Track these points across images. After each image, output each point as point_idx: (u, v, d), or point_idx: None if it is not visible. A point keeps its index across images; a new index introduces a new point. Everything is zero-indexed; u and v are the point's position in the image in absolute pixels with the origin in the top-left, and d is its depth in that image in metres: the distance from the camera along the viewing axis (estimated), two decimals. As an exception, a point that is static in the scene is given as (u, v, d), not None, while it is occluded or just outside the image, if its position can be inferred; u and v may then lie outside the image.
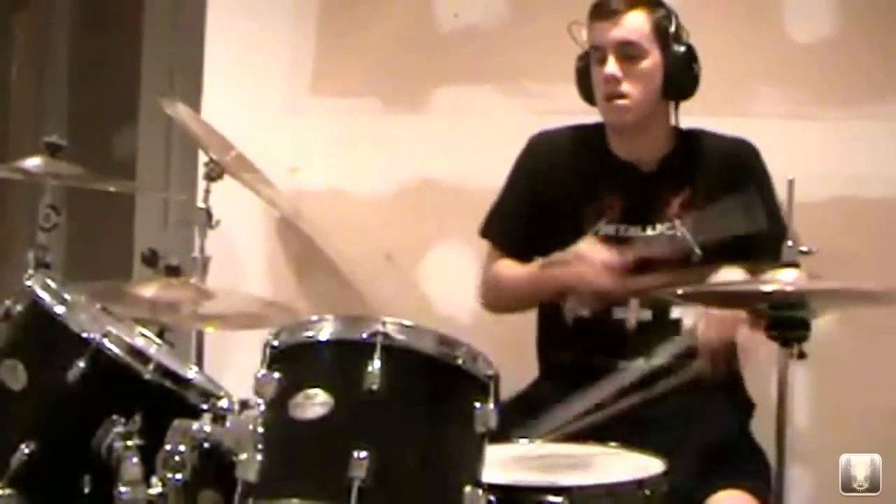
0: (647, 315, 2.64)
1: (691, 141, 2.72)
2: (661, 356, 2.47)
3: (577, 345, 2.67)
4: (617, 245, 2.62)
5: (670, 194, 2.66)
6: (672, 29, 2.63)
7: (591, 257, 2.56)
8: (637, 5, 2.62)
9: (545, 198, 2.72)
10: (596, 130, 2.73)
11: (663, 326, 2.64)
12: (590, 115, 2.72)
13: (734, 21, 3.21)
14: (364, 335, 1.99)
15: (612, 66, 2.60)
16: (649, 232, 2.66)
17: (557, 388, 2.65)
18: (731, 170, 2.67)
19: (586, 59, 2.69)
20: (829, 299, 2.25)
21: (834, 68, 3.21)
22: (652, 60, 2.61)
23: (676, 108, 2.70)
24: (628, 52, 2.60)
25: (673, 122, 2.71)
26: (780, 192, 2.32)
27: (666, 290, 2.50)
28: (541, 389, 2.70)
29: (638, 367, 2.49)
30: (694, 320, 2.52)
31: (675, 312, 2.65)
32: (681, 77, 2.64)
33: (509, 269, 2.77)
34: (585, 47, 2.68)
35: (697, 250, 2.63)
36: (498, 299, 2.82)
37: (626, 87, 2.60)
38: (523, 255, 2.76)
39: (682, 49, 2.63)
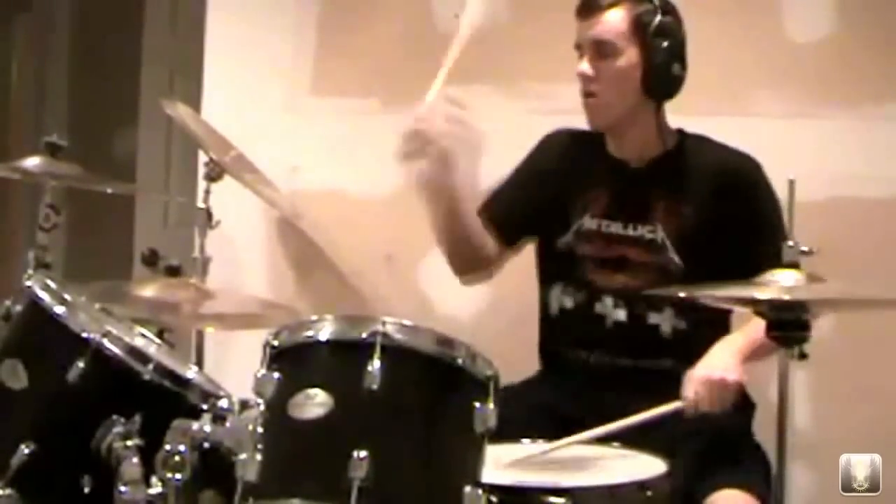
0: (621, 315, 2.63)
1: (690, 146, 2.69)
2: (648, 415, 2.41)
3: (563, 336, 2.69)
4: (599, 240, 2.64)
5: (657, 196, 2.64)
6: (654, 24, 2.58)
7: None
8: (617, 2, 2.59)
9: (543, 190, 2.73)
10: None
11: (638, 329, 2.62)
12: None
13: (733, 21, 3.21)
14: (364, 335, 1.98)
15: (584, 65, 2.60)
16: (630, 231, 2.65)
17: (553, 382, 2.67)
18: (727, 184, 2.62)
19: None
20: (828, 305, 2.25)
21: (833, 68, 3.21)
22: (627, 59, 2.59)
23: (660, 106, 2.66)
24: (602, 51, 2.59)
25: (662, 120, 2.68)
26: (781, 192, 2.31)
27: (650, 293, 2.52)
28: (536, 384, 2.71)
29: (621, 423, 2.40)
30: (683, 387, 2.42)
31: (653, 318, 2.62)
32: (660, 75, 2.60)
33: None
34: None
35: (677, 259, 2.61)
36: (441, 246, 2.79)
37: (595, 86, 2.60)
38: (507, 229, 2.76)
39: (664, 45, 2.58)
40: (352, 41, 3.47)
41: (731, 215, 2.60)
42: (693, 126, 2.72)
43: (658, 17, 2.59)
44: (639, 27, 2.59)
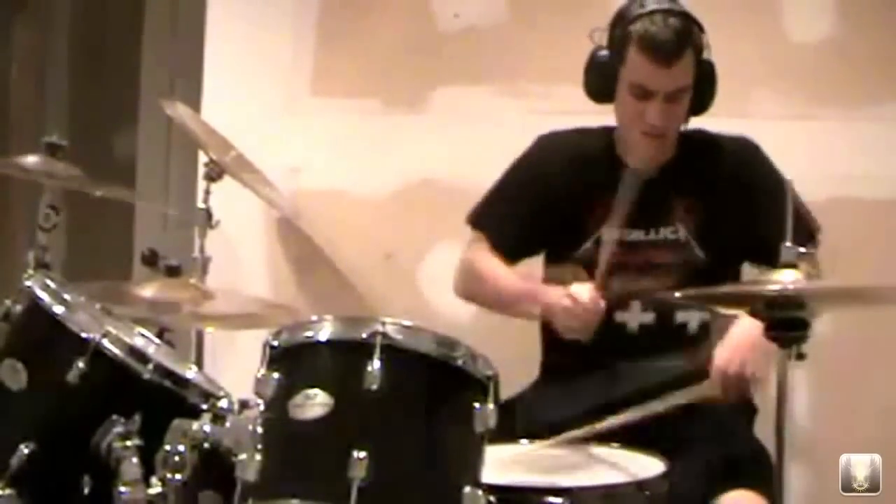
0: (649, 318, 2.62)
1: (693, 142, 2.68)
2: (671, 371, 2.43)
3: (578, 347, 2.64)
4: (622, 249, 2.60)
5: (674, 198, 2.63)
6: (703, 46, 2.57)
7: (576, 306, 2.49)
8: (686, 44, 2.53)
9: (548, 200, 2.69)
10: (602, 134, 2.71)
11: (667, 330, 2.62)
12: (589, 115, 2.71)
13: (734, 21, 3.20)
14: (364, 335, 1.99)
15: (660, 114, 2.54)
16: (652, 236, 2.63)
17: (557, 391, 2.66)
18: (735, 170, 2.64)
19: (601, 56, 2.61)
20: (828, 299, 2.25)
21: (833, 69, 3.21)
22: (690, 91, 2.57)
23: (687, 119, 2.66)
24: (677, 96, 2.55)
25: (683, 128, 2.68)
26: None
27: (667, 293, 2.50)
28: (540, 391, 2.70)
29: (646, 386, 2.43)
30: (713, 342, 2.46)
31: (680, 317, 2.62)
32: (707, 95, 2.61)
33: (495, 269, 2.70)
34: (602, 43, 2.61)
35: (700, 254, 2.61)
36: (474, 294, 2.76)
37: (664, 128, 2.58)
38: (514, 253, 2.72)
39: (710, 68, 2.59)
40: (352, 41, 3.47)
41: (744, 200, 2.61)
42: (693, 126, 2.72)
43: (702, 36, 2.57)
44: (698, 57, 2.57)
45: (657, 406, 2.37)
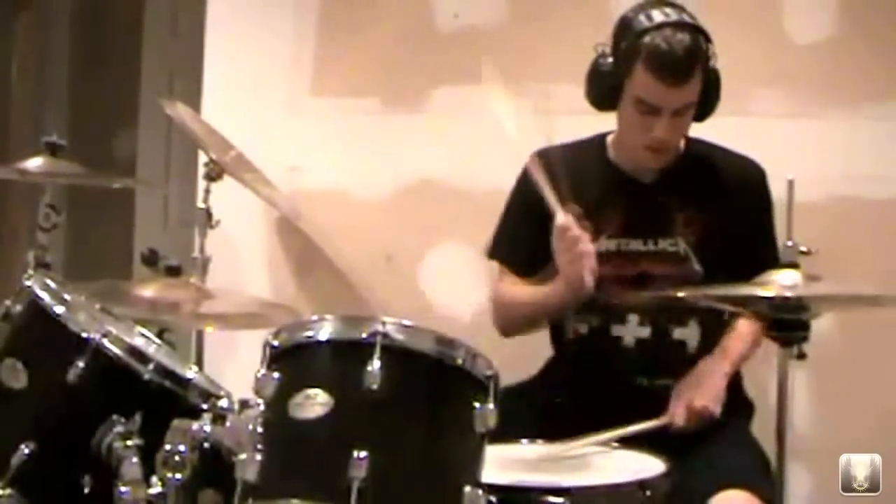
0: (645, 332, 2.61)
1: (699, 154, 2.66)
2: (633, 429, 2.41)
3: (577, 360, 2.66)
4: (619, 260, 2.60)
5: (674, 208, 2.61)
6: (711, 57, 2.52)
7: (570, 235, 2.46)
8: (697, 61, 2.48)
9: (546, 215, 2.62)
10: (595, 143, 2.70)
11: (663, 346, 2.60)
12: (590, 115, 2.71)
13: (734, 21, 3.20)
14: (364, 335, 1.98)
15: (666, 130, 2.51)
16: (651, 246, 2.61)
17: (553, 395, 2.66)
18: (741, 191, 2.61)
19: (604, 65, 2.57)
20: (827, 302, 2.25)
21: (834, 68, 3.21)
22: (695, 104, 2.54)
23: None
24: (683, 111, 2.52)
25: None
26: (781, 192, 2.32)
27: (662, 298, 2.50)
28: (538, 392, 2.70)
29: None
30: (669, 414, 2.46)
31: (678, 333, 2.61)
32: (712, 102, 2.57)
33: (514, 288, 2.70)
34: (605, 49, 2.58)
35: (698, 267, 2.59)
36: (509, 320, 2.73)
37: (671, 140, 2.55)
38: (531, 273, 2.69)
39: (715, 76, 2.55)
40: (352, 41, 3.47)
41: (742, 219, 2.59)
42: (693, 126, 2.72)
43: (710, 46, 2.53)
44: (705, 71, 2.52)
45: (616, 434, 2.37)
